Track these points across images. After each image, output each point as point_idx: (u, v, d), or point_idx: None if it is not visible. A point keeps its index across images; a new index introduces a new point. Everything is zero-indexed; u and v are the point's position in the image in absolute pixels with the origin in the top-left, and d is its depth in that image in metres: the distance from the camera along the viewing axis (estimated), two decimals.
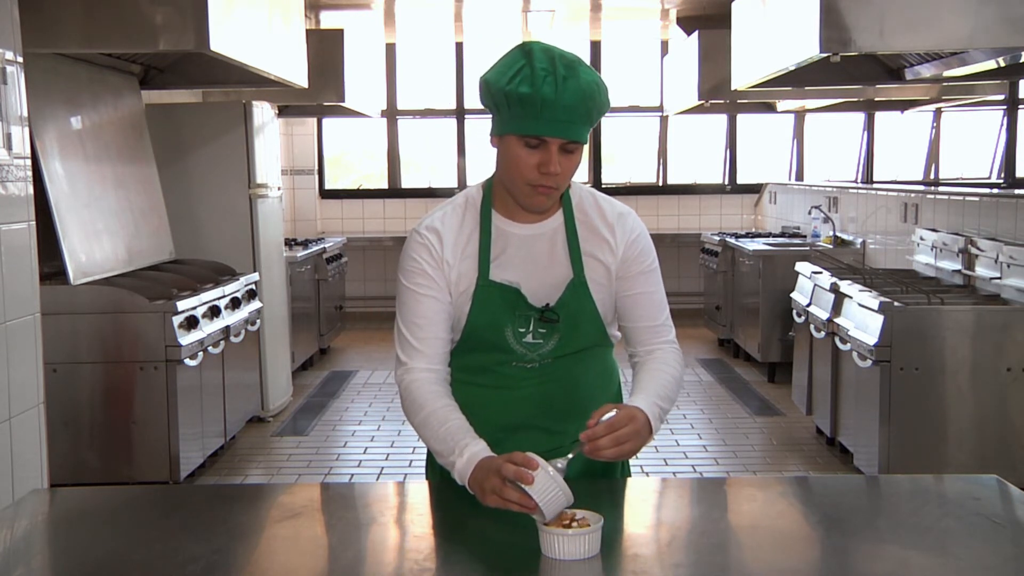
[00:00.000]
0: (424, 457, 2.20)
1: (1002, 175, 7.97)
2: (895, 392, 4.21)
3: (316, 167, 9.37)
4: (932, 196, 5.67)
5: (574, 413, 2.05)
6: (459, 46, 9.49)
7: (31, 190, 3.25)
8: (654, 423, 1.87)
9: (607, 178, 9.72)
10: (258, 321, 5.54)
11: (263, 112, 6.00)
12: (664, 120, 9.64)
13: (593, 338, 2.03)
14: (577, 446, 1.77)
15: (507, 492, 1.68)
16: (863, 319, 4.41)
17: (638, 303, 2.03)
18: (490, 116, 1.93)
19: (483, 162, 9.36)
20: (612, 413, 1.79)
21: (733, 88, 6.01)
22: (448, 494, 1.99)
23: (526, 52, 1.85)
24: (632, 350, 2.07)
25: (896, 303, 4.28)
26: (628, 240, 2.01)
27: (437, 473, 2.06)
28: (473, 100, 9.17)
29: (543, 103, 1.79)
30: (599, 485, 2.02)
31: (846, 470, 4.85)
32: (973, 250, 4.84)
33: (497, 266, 1.97)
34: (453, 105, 9.57)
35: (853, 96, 7.43)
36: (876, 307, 4.27)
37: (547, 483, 1.65)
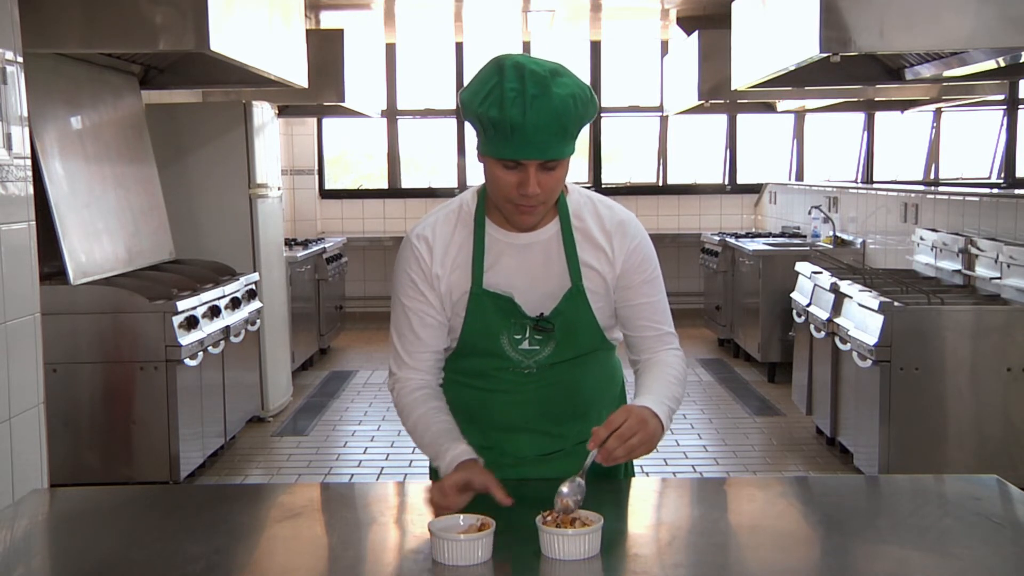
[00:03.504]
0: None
1: (1002, 175, 7.97)
2: (895, 392, 4.21)
3: (316, 167, 9.37)
4: (932, 196, 5.67)
5: (574, 416, 2.05)
6: (459, 46, 9.48)
7: (31, 190, 3.25)
8: (664, 419, 1.83)
9: (607, 178, 9.72)
10: (258, 321, 5.54)
11: (263, 112, 6.00)
12: (664, 120, 9.64)
13: (592, 344, 2.02)
14: (590, 456, 1.75)
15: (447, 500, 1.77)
16: (863, 319, 4.41)
17: (640, 313, 2.00)
18: None
19: (477, 162, 9.35)
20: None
21: (733, 88, 6.01)
22: None
23: (498, 70, 1.78)
24: (635, 357, 2.04)
25: (896, 303, 4.28)
26: (628, 250, 1.97)
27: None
28: None
29: (512, 127, 1.74)
30: (600, 485, 2.02)
31: (846, 470, 4.85)
32: (973, 250, 4.84)
33: (491, 275, 1.94)
34: (453, 105, 9.57)
35: (853, 96, 7.43)
36: (876, 307, 4.27)
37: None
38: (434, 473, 2.15)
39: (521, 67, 1.78)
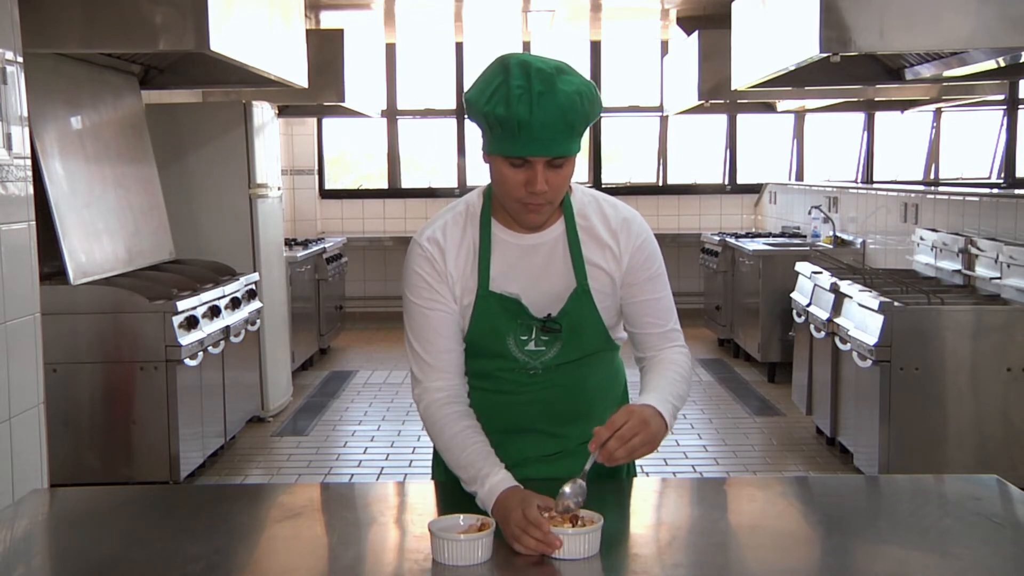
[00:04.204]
0: (429, 457, 2.20)
1: (1002, 175, 7.97)
2: (895, 392, 4.21)
3: (316, 167, 9.37)
4: (932, 196, 5.67)
5: (577, 417, 2.04)
6: (459, 46, 9.49)
7: (31, 190, 3.25)
8: (668, 419, 1.82)
9: (607, 178, 9.72)
10: (258, 321, 5.53)
11: (263, 112, 6.00)
12: (664, 120, 9.64)
13: (597, 344, 2.01)
14: (591, 458, 1.74)
15: (527, 541, 1.66)
16: (863, 319, 4.41)
17: (645, 310, 2.00)
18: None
19: (483, 162, 9.36)
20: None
21: (733, 88, 6.01)
22: (449, 494, 1.99)
23: (504, 68, 1.79)
24: (640, 355, 2.04)
25: (896, 303, 4.28)
26: (633, 247, 1.97)
27: (442, 473, 2.06)
28: None
29: (519, 124, 1.75)
30: (601, 485, 2.02)
31: (846, 470, 4.85)
32: (973, 250, 4.84)
33: (497, 276, 1.94)
34: (453, 105, 9.57)
35: (853, 96, 7.43)
36: (876, 307, 4.27)
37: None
38: (436, 474, 2.15)
39: (527, 65, 1.78)
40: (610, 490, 2.02)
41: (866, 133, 9.48)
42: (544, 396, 2.00)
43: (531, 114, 1.74)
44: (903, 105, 8.45)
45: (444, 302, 1.94)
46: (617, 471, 2.10)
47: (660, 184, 9.73)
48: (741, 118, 9.67)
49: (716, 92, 7.15)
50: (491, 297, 1.93)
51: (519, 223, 1.93)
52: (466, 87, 1.97)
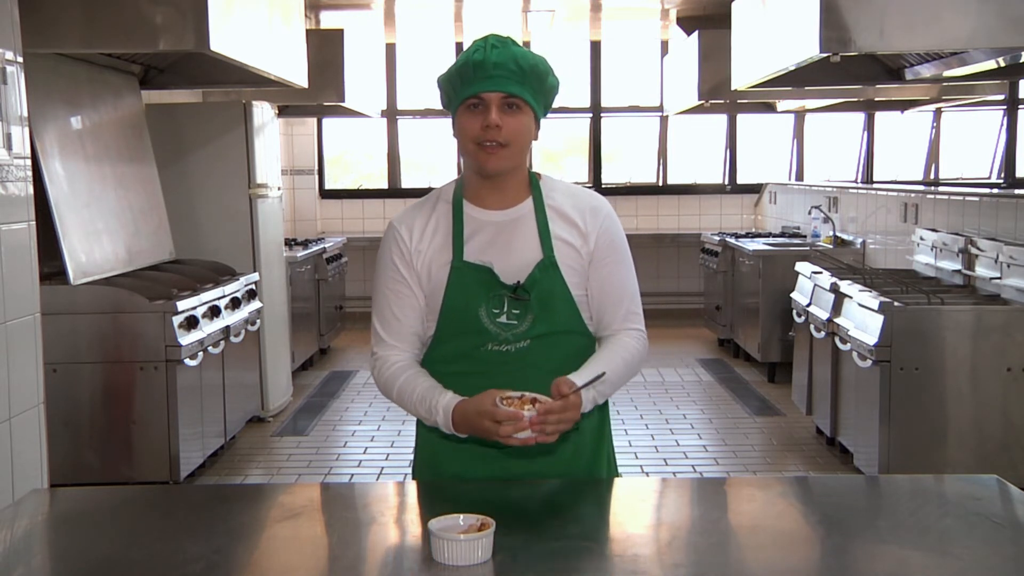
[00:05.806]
0: None
1: (1002, 175, 7.97)
2: (895, 392, 4.21)
3: (316, 167, 9.37)
4: (932, 196, 5.67)
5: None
6: (459, 46, 9.48)
7: (31, 190, 3.25)
8: (585, 405, 1.92)
9: (607, 178, 9.72)
10: (258, 321, 5.53)
11: (263, 112, 6.00)
12: (664, 120, 9.64)
13: (569, 322, 2.05)
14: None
15: (504, 430, 1.81)
16: (863, 319, 4.41)
17: (607, 290, 2.07)
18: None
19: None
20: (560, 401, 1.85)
21: (733, 88, 6.01)
22: (446, 494, 2.00)
23: (470, 44, 2.03)
24: (600, 336, 2.11)
25: (896, 303, 4.28)
26: (600, 227, 2.07)
27: (427, 472, 2.10)
28: None
29: (474, 66, 1.97)
30: (587, 485, 2.02)
31: (846, 470, 4.85)
32: (973, 250, 4.84)
33: (470, 249, 2.03)
34: None
35: (853, 96, 7.43)
36: (876, 307, 4.27)
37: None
38: (420, 471, 2.16)
39: (488, 36, 2.03)
40: (608, 490, 2.02)
41: (866, 133, 9.49)
42: (519, 377, 1.99)
43: (484, 56, 1.96)
44: (903, 105, 8.45)
45: (405, 284, 2.06)
46: (598, 470, 2.10)
47: (660, 184, 9.73)
48: (741, 118, 9.67)
49: (716, 92, 7.16)
50: (466, 268, 2.02)
51: (480, 172, 2.03)
52: None
